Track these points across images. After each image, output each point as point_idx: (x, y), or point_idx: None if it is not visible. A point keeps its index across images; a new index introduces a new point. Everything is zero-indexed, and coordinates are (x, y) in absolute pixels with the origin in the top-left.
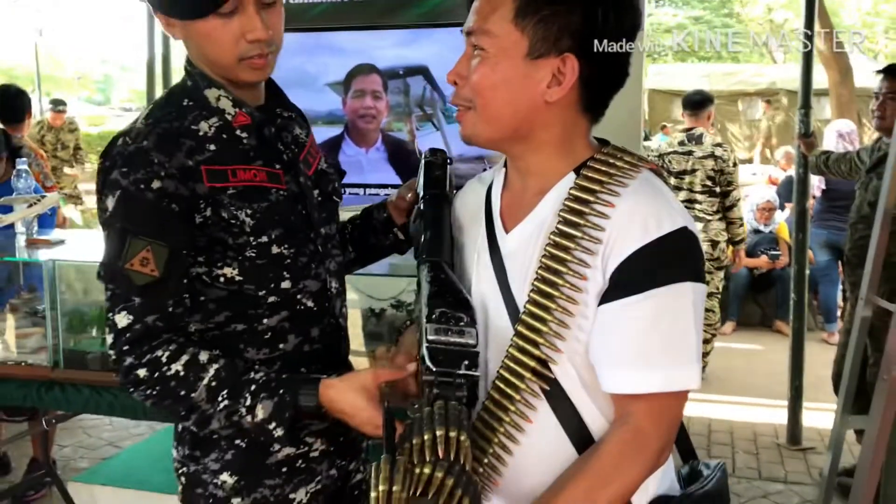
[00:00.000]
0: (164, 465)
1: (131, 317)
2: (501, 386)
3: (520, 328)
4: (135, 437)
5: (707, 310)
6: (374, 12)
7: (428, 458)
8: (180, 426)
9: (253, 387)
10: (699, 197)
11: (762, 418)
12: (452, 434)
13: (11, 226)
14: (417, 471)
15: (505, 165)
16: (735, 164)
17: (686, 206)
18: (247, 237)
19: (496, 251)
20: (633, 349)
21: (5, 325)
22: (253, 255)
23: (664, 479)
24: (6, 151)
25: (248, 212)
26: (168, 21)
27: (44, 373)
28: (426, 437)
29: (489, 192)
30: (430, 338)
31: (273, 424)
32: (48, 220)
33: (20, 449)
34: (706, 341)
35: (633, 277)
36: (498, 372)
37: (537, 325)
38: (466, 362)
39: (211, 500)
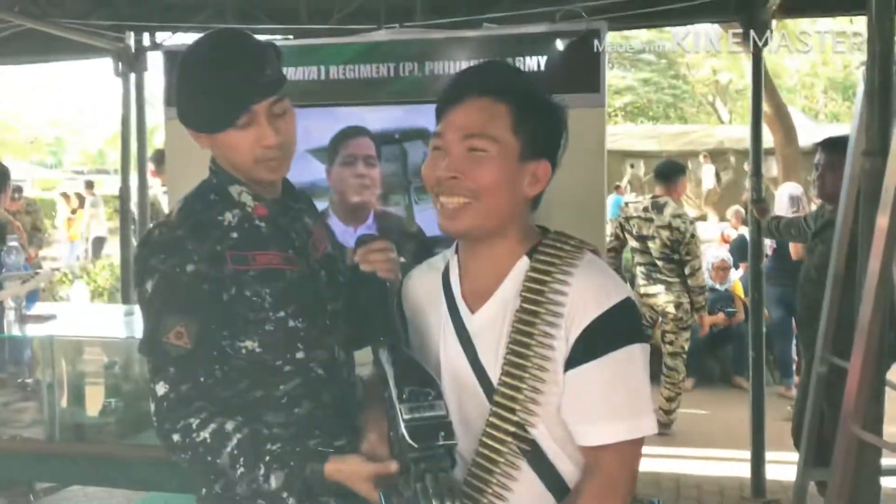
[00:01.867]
0: None
1: (167, 386)
2: (485, 452)
3: (497, 398)
4: None
5: (671, 369)
6: (357, 87)
7: None
8: (203, 491)
9: (268, 458)
10: (658, 263)
11: (727, 472)
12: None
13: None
14: None
15: (456, 252)
16: (693, 235)
17: (649, 269)
18: (266, 312)
19: (463, 331)
20: (600, 405)
21: None
22: (271, 328)
23: None
24: None
25: (268, 290)
26: (195, 134)
27: (40, 446)
28: None
29: (445, 277)
30: (406, 417)
31: (286, 494)
32: (34, 293)
33: None
34: (670, 399)
35: (594, 343)
36: (480, 439)
37: (513, 393)
38: (443, 433)
39: None
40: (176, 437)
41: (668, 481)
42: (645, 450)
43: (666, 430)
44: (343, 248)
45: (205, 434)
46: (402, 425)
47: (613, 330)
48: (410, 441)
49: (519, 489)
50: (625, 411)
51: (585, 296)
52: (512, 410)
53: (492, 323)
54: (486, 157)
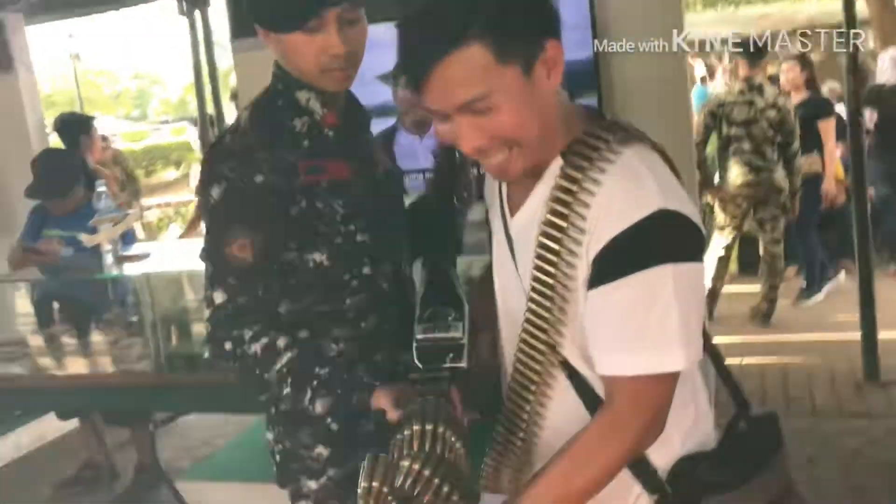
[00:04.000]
0: (261, 456)
1: (225, 295)
2: (520, 367)
3: (528, 315)
4: (227, 434)
5: (773, 256)
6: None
7: (405, 452)
8: (272, 409)
9: (315, 382)
10: (762, 147)
11: (837, 356)
12: (429, 428)
13: (97, 245)
14: (401, 464)
15: None
16: (795, 115)
17: (751, 155)
18: (336, 225)
19: (507, 234)
20: (614, 333)
21: (105, 339)
22: (340, 241)
23: (693, 435)
24: (83, 175)
25: (340, 202)
26: (265, 33)
27: (150, 379)
28: (406, 432)
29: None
30: (419, 337)
31: (329, 420)
32: (129, 235)
33: (122, 456)
34: (772, 287)
35: (611, 265)
36: (516, 354)
37: (542, 311)
38: (452, 355)
39: (307, 473)
40: (227, 346)
41: (775, 373)
42: (747, 342)
43: (768, 322)
44: (400, 169)
45: (256, 347)
46: (414, 345)
47: (637, 248)
48: (416, 362)
49: (557, 407)
50: (642, 342)
51: (610, 206)
52: (542, 329)
53: (525, 230)
54: (496, 108)
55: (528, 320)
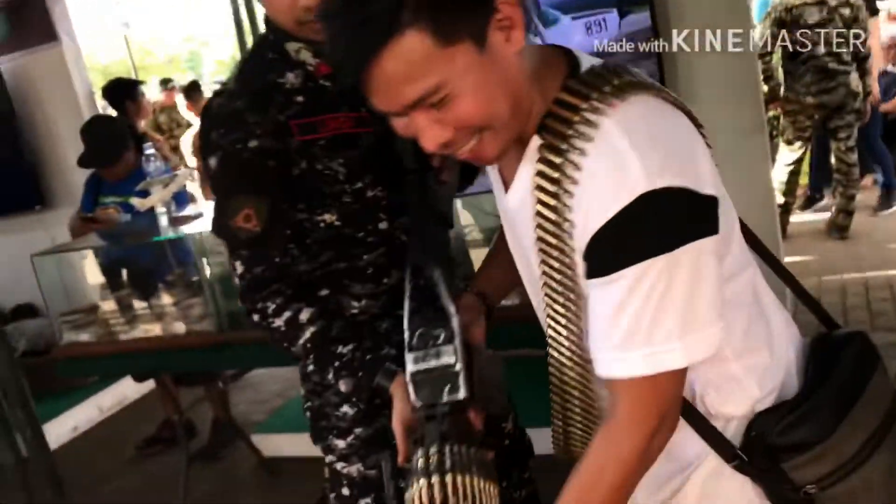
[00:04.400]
0: None
1: (242, 267)
2: (551, 349)
3: (546, 310)
4: (299, 385)
5: (848, 165)
6: None
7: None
8: (300, 365)
9: (337, 363)
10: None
11: None
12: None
13: (151, 209)
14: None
15: None
16: (866, 12)
17: (824, 60)
18: (342, 185)
19: (506, 206)
20: (605, 331)
21: (168, 301)
22: (349, 200)
23: (771, 375)
24: (132, 140)
25: (341, 161)
26: None
27: (213, 338)
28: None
29: None
30: (412, 370)
31: (354, 399)
32: (182, 196)
33: (197, 413)
34: (849, 198)
35: (597, 261)
36: (546, 339)
37: (558, 308)
38: (448, 386)
39: (335, 432)
40: (256, 318)
41: (856, 286)
42: (826, 255)
43: (845, 234)
44: None
45: (279, 322)
46: (408, 379)
47: (620, 243)
48: (415, 398)
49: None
50: (634, 341)
51: (592, 196)
52: (561, 325)
53: (520, 210)
54: (453, 98)
55: (547, 314)
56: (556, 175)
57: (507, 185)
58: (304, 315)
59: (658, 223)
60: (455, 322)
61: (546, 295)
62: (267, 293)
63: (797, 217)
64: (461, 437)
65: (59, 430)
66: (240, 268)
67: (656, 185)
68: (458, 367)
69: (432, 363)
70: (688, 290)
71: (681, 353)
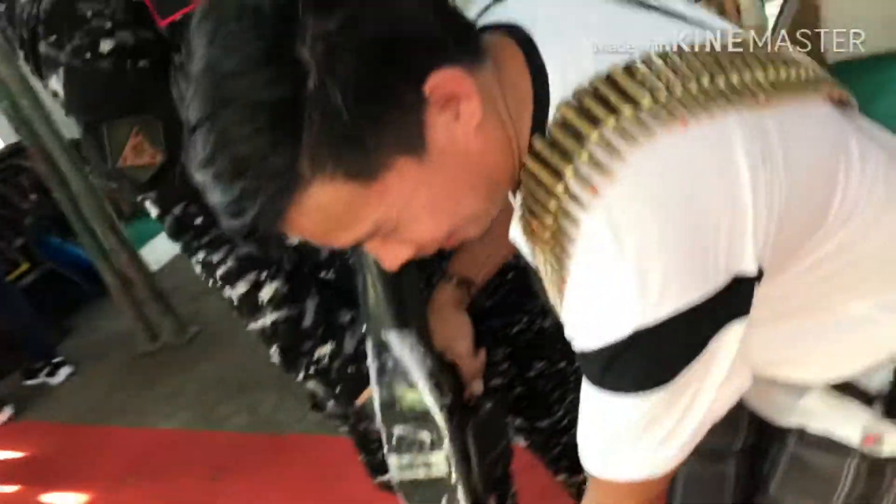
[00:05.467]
0: None
1: (157, 209)
2: None
3: None
4: None
5: None
6: None
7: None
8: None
9: (311, 368)
10: None
11: None
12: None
13: None
14: None
15: None
16: None
17: None
18: None
19: None
20: (584, 424)
21: None
22: None
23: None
24: None
25: None
26: None
27: None
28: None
29: None
30: (398, 479)
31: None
32: None
33: None
34: None
35: (588, 371)
36: None
37: None
38: (446, 497)
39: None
40: (198, 269)
41: None
42: None
43: None
44: None
45: (231, 293)
46: (395, 485)
47: (618, 372)
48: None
49: None
50: (609, 448)
51: (581, 306)
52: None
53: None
54: (404, 225)
55: None
56: (544, 263)
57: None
58: (266, 292)
59: (656, 357)
60: (440, 419)
61: None
62: (207, 240)
63: None
64: None
65: (158, 251)
66: (153, 209)
67: (651, 319)
68: (454, 478)
69: (421, 474)
70: (676, 416)
71: (655, 467)
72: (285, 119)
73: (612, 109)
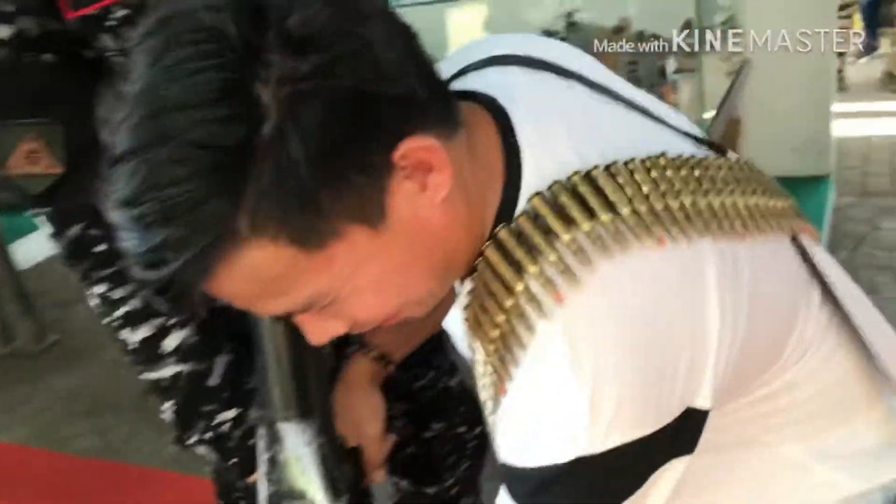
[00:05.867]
0: None
1: (50, 227)
2: None
3: None
4: None
5: None
6: None
7: None
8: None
9: (208, 434)
10: None
11: None
12: None
13: None
14: None
15: None
16: None
17: None
18: None
19: None
20: None
21: None
22: None
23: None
24: None
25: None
26: None
27: None
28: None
29: None
30: None
31: None
32: None
33: None
34: None
35: (509, 486)
36: None
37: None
38: None
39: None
40: (92, 303)
41: None
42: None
43: None
44: None
45: (129, 338)
46: None
47: (541, 495)
48: None
49: None
50: None
51: (518, 417)
52: None
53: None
54: (344, 299)
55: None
56: (483, 362)
57: None
58: (172, 340)
59: (593, 489)
60: None
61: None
62: (109, 272)
63: None
64: None
65: (30, 249)
66: (46, 226)
67: (597, 449)
68: None
69: None
70: None
71: None
72: (230, 166)
73: (591, 214)
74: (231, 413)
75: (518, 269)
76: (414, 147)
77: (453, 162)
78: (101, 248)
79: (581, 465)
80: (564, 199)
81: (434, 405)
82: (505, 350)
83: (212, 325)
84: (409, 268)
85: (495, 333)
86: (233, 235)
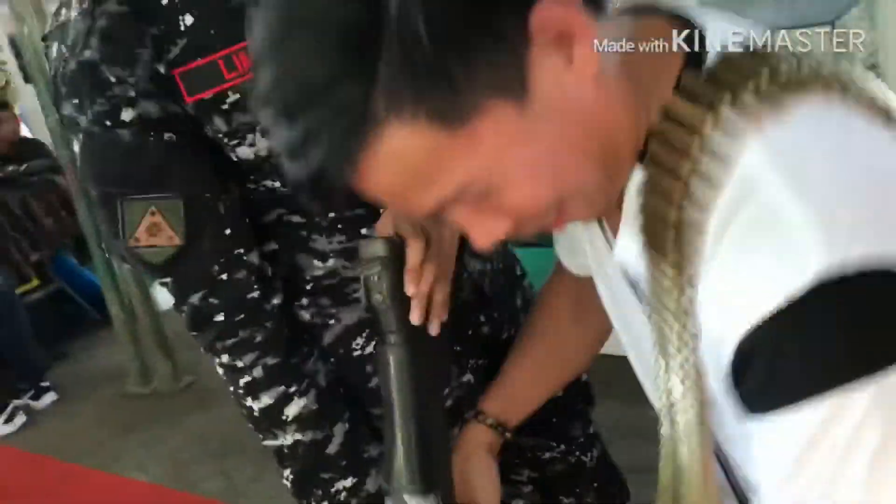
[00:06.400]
0: None
1: (174, 294)
2: None
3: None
4: None
5: None
6: None
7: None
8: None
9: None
10: None
11: None
12: None
13: None
14: None
15: None
16: None
17: None
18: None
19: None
20: (773, 482)
21: None
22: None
23: None
24: None
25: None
26: None
27: None
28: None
29: None
30: None
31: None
32: None
33: None
34: None
35: (754, 385)
36: None
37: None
38: None
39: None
40: (220, 370)
41: None
42: None
43: None
44: None
45: (253, 405)
46: None
47: (804, 352)
48: None
49: None
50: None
51: (732, 269)
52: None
53: (623, 277)
54: (498, 188)
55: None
56: (670, 235)
57: (607, 229)
58: (293, 409)
59: (853, 327)
60: None
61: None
62: (231, 343)
63: None
64: None
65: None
66: (172, 293)
67: (845, 261)
68: None
69: None
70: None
71: None
72: (360, 44)
73: (772, 65)
74: (349, 482)
75: (707, 104)
76: (551, 13)
77: (605, 36)
78: (219, 317)
79: (830, 287)
80: (740, 59)
81: (565, 478)
82: (689, 202)
83: (331, 394)
84: (562, 150)
85: (677, 192)
86: (372, 116)
